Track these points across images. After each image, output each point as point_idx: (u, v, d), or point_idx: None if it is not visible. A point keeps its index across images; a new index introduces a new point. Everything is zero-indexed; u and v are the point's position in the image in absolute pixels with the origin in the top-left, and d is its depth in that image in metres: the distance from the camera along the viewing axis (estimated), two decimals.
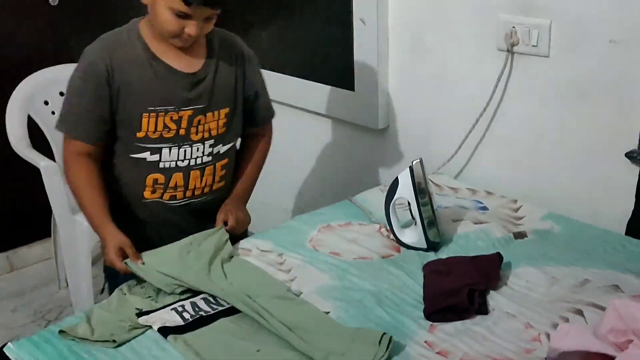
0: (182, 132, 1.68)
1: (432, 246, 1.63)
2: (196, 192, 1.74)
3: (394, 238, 1.68)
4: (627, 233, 1.75)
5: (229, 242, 1.63)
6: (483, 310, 1.39)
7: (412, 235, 1.64)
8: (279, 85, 2.25)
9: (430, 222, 1.62)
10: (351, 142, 2.44)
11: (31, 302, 2.79)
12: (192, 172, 1.72)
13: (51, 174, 2.38)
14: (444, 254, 1.62)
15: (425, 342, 1.30)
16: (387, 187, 1.68)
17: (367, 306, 1.42)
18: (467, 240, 1.67)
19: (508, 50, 1.88)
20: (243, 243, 1.69)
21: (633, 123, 1.69)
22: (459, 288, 1.40)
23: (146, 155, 1.68)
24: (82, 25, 2.98)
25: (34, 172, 2.52)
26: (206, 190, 1.76)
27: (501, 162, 2.03)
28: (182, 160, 1.70)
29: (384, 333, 1.27)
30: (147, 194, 1.71)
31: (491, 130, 2.02)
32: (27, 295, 2.84)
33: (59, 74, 2.75)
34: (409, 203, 1.62)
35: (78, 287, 2.50)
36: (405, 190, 1.61)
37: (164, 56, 1.65)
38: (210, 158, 1.74)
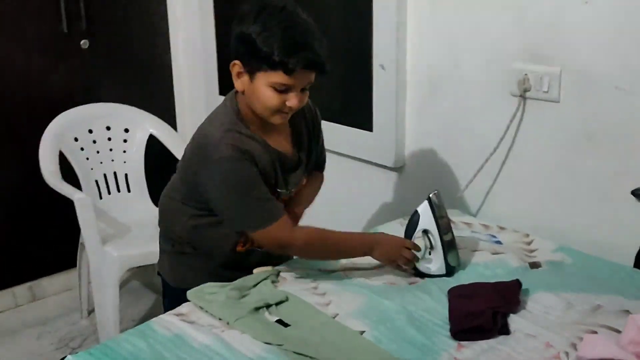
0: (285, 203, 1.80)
1: (451, 270, 1.76)
2: None
3: (413, 271, 1.79)
4: (636, 266, 1.87)
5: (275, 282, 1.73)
6: (505, 331, 1.51)
7: (432, 264, 1.76)
8: None
9: (451, 246, 1.75)
10: (369, 180, 2.58)
11: (55, 331, 2.89)
12: None
13: (84, 206, 2.50)
14: (465, 280, 1.73)
15: (455, 358, 1.42)
16: (407, 220, 1.82)
17: (399, 326, 1.53)
18: (486, 268, 1.79)
19: (521, 96, 2.04)
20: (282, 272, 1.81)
21: (638, 163, 1.84)
22: (483, 310, 1.52)
23: None
24: (111, 67, 3.16)
25: (58, 205, 2.64)
26: None
27: (513, 200, 2.17)
28: None
29: None
30: (239, 247, 1.80)
31: (504, 169, 2.16)
32: (50, 324, 2.93)
33: (88, 113, 2.92)
34: (425, 232, 1.75)
35: (105, 315, 2.60)
36: (426, 220, 1.74)
37: (271, 142, 1.70)
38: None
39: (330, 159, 2.59)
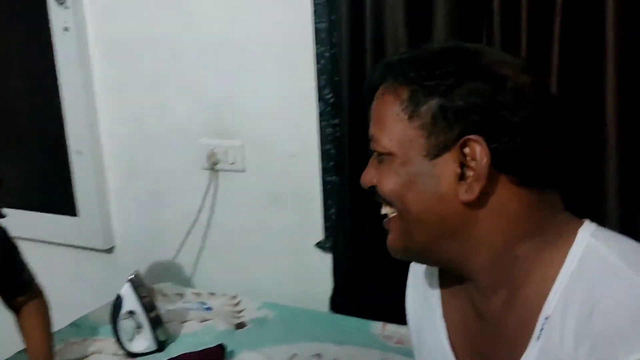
0: None
1: (161, 345, 1.82)
2: None
3: (123, 352, 1.83)
4: (332, 309, 2.09)
5: None
6: None
7: (142, 342, 1.81)
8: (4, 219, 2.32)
9: (157, 322, 1.82)
10: (78, 265, 2.55)
11: None
12: None
13: None
14: (175, 353, 1.80)
15: None
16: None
17: None
18: (195, 337, 1.89)
19: (211, 169, 2.19)
20: None
21: (316, 219, 2.07)
22: None
23: None
24: None
25: None
26: None
27: (220, 265, 2.30)
28: None
29: None
30: None
31: (207, 237, 2.29)
32: None
33: None
34: (131, 312, 1.81)
35: None
36: (130, 301, 1.80)
37: None
38: None
39: (35, 248, 2.53)
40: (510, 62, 0.86)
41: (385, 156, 0.88)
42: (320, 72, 1.93)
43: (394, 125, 0.86)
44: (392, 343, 1.78)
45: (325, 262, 2.09)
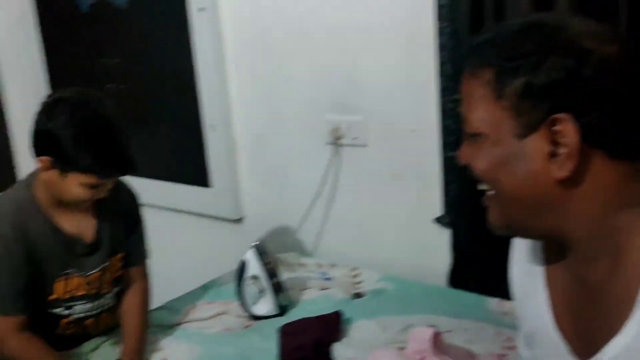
0: (92, 289, 1.77)
1: (283, 310, 1.92)
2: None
3: (247, 315, 1.94)
4: (449, 284, 2.11)
5: None
6: (328, 359, 1.68)
7: (264, 306, 1.92)
8: (143, 189, 2.50)
9: (279, 288, 1.91)
10: (211, 233, 2.71)
11: None
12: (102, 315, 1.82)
13: None
14: (294, 317, 1.89)
15: None
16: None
17: None
18: (314, 304, 1.97)
19: (335, 143, 2.26)
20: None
21: (436, 194, 2.09)
22: (308, 343, 1.69)
23: (59, 310, 1.74)
24: None
25: None
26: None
27: (341, 238, 2.37)
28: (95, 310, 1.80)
29: None
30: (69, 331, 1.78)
31: (330, 210, 2.36)
32: None
33: None
34: (255, 277, 1.91)
35: None
36: (254, 266, 1.90)
37: (64, 225, 1.69)
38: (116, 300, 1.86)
39: (171, 217, 2.72)
40: (596, 32, 0.83)
41: (476, 136, 0.89)
42: (441, 48, 1.94)
43: (481, 106, 0.87)
44: (508, 319, 1.77)
45: (443, 237, 2.10)
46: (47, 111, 1.57)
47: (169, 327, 1.91)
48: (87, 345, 1.79)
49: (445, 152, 2.03)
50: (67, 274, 1.71)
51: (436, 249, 2.14)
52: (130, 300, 1.85)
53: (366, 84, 2.16)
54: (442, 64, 1.95)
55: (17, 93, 3.32)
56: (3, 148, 3.37)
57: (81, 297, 1.75)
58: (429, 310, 1.89)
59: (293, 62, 2.31)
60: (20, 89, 3.30)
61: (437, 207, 2.10)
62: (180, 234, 2.65)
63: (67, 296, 1.73)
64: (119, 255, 1.83)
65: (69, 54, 3.06)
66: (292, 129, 2.38)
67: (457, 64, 1.92)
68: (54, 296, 1.71)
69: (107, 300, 1.82)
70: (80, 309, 1.77)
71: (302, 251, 2.44)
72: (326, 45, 2.22)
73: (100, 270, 1.77)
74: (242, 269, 1.91)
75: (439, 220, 2.11)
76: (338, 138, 2.24)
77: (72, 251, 1.72)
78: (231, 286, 2.04)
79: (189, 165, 2.70)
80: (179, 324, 1.92)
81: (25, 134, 3.30)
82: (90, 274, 1.76)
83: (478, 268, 2.01)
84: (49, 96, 1.62)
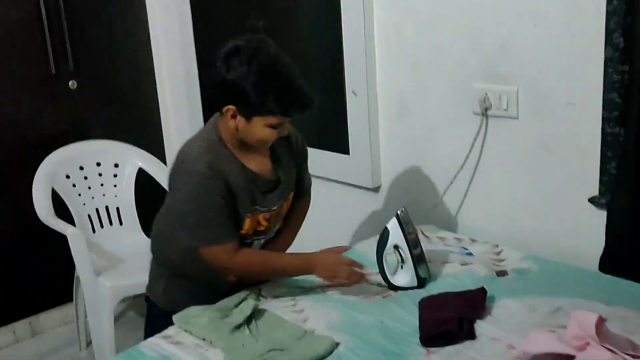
0: (270, 225, 1.92)
1: (422, 282, 1.86)
2: None
3: (386, 285, 1.90)
4: (601, 269, 1.97)
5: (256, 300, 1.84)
6: (471, 336, 1.61)
7: (404, 277, 1.87)
8: None
9: (420, 259, 1.85)
10: (348, 201, 2.69)
11: None
12: None
13: (77, 240, 2.61)
14: (435, 291, 1.84)
15: None
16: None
17: (372, 337, 1.64)
18: (455, 279, 1.90)
19: (482, 114, 2.16)
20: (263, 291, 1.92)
21: (592, 173, 1.96)
22: (450, 317, 1.63)
23: None
24: (99, 106, 3.28)
25: (53, 241, 2.74)
26: None
27: (483, 213, 2.28)
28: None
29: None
30: (230, 277, 1.91)
31: (472, 184, 2.28)
32: (51, 358, 3.02)
33: (78, 150, 3.03)
34: (396, 247, 1.86)
35: (101, 345, 2.70)
36: (396, 236, 1.85)
37: (249, 164, 1.81)
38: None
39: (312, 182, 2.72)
40: None
41: None
42: (610, 14, 1.79)
43: None
44: None
45: (597, 219, 1.97)
46: (225, 63, 1.66)
47: (308, 290, 1.91)
48: (231, 300, 1.82)
49: (606, 127, 1.90)
50: (255, 209, 1.84)
51: (588, 231, 2.01)
52: (295, 210, 2.06)
53: (521, 52, 2.04)
54: (611, 32, 1.80)
55: (165, 53, 3.42)
56: (152, 105, 3.50)
57: (262, 232, 1.89)
58: (579, 294, 1.78)
59: (441, 26, 2.23)
60: (168, 49, 3.40)
61: (593, 186, 1.96)
62: (319, 199, 2.64)
63: (251, 232, 1.86)
64: (292, 193, 1.98)
65: (215, 16, 3.11)
66: (437, 96, 2.30)
67: (628, 33, 1.77)
68: (242, 231, 1.84)
69: (271, 235, 1.95)
70: (257, 243, 1.92)
71: (439, 224, 2.37)
72: (477, 9, 2.11)
73: (278, 207, 1.90)
74: (384, 237, 1.87)
75: (593, 200, 1.97)
76: (487, 108, 2.15)
77: (258, 188, 1.83)
78: (367, 254, 2.02)
79: (330, 131, 2.69)
80: (320, 288, 1.92)
81: (171, 90, 3.44)
82: (273, 210, 1.89)
83: (635, 254, 1.87)
84: (220, 49, 1.70)
